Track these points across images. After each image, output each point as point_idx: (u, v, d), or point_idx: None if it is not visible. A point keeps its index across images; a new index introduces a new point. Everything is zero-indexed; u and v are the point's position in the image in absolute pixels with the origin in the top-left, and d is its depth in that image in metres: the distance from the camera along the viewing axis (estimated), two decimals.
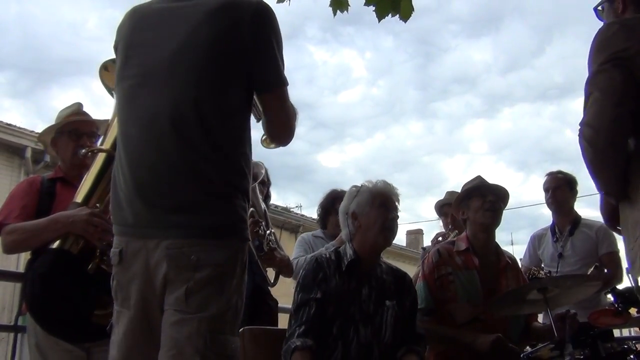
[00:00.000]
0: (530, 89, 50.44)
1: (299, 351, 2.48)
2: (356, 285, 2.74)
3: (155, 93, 1.86)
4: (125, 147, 1.90)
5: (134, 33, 1.98)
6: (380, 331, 2.70)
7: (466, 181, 3.44)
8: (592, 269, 3.97)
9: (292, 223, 19.89)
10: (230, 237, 1.84)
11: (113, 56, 2.14)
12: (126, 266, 1.87)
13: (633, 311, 2.93)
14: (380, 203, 2.84)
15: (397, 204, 2.89)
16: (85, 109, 2.96)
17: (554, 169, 4.48)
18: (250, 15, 1.86)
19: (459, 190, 4.34)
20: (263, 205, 3.80)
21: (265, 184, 3.94)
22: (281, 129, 2.05)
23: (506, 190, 3.30)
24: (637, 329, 4.96)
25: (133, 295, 1.86)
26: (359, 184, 2.98)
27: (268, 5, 1.94)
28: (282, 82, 1.94)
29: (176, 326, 1.75)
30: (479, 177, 3.37)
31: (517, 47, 51.00)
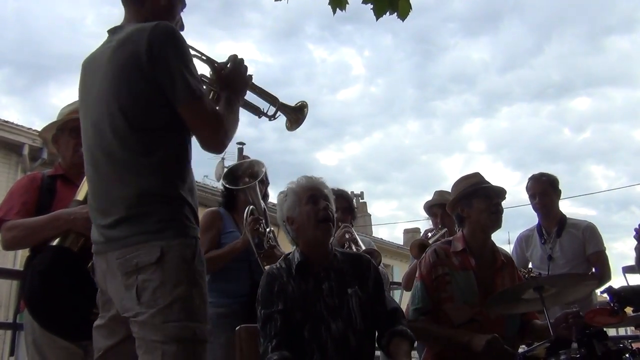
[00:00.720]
0: (528, 88, 50.45)
1: None
2: (315, 284, 2.74)
3: (87, 132, 2.17)
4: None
5: (80, 85, 2.29)
6: (351, 320, 2.69)
7: (462, 176, 3.41)
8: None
9: None
10: (164, 236, 1.99)
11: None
12: (97, 279, 2.17)
13: (629, 310, 2.95)
14: (307, 199, 2.83)
15: (325, 191, 2.89)
16: None
17: (552, 168, 4.51)
18: (145, 43, 2.02)
19: (447, 189, 4.38)
20: (262, 204, 3.81)
21: (264, 182, 3.96)
22: (202, 140, 2.13)
23: (506, 192, 3.31)
24: (632, 327, 4.98)
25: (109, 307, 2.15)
26: (284, 189, 2.99)
27: (164, 25, 2.07)
28: (189, 97, 2.05)
29: (138, 327, 1.98)
30: (478, 175, 3.35)
31: (516, 46, 50.98)
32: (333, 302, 2.71)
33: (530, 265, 4.41)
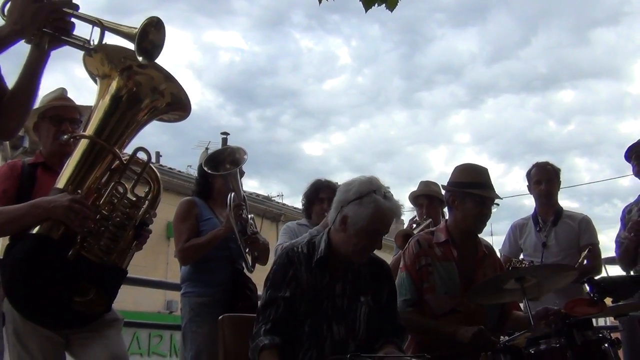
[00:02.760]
0: (515, 80, 50.71)
1: (268, 350, 2.45)
2: (330, 281, 2.68)
3: None
4: None
5: None
6: (354, 327, 2.67)
7: (472, 164, 3.36)
8: (585, 252, 4.04)
9: (273, 212, 19.89)
10: None
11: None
12: None
13: (608, 301, 2.98)
14: (376, 230, 2.64)
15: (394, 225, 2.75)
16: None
17: (537, 160, 4.51)
18: None
19: (433, 180, 4.38)
20: (243, 192, 3.81)
21: (241, 172, 3.94)
22: None
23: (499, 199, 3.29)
24: (612, 318, 5.03)
25: None
26: (369, 181, 2.69)
27: None
28: None
29: None
30: (485, 174, 3.28)
31: (503, 37, 51.21)
32: (342, 304, 2.67)
33: (521, 256, 4.43)
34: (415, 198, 4.60)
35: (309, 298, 2.62)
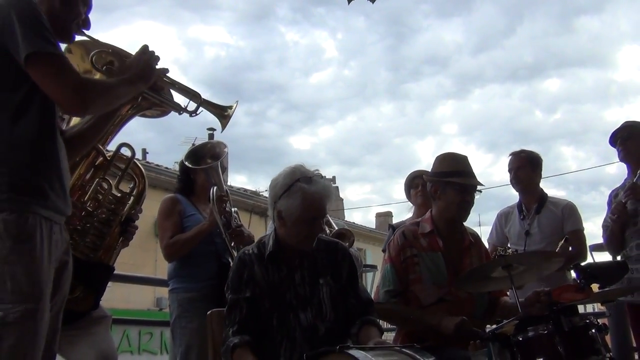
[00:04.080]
0: (501, 70, 50.98)
1: (240, 347, 2.50)
2: (287, 272, 2.72)
3: None
4: None
5: None
6: (321, 310, 2.70)
7: (452, 153, 3.37)
8: (562, 242, 4.05)
9: (261, 207, 19.84)
10: None
11: (78, 38, 2.37)
12: None
13: (595, 287, 3.01)
14: (311, 217, 2.67)
15: (327, 208, 2.74)
16: None
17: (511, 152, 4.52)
18: None
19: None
20: (225, 186, 3.80)
21: (223, 168, 3.92)
22: (57, 98, 2.06)
23: (482, 186, 3.30)
24: (599, 304, 5.07)
25: None
26: (292, 172, 2.71)
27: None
28: (32, 49, 1.96)
29: None
30: (465, 162, 3.29)
31: (488, 27, 51.36)
32: (304, 292, 2.70)
33: (508, 244, 4.45)
34: (412, 179, 4.62)
35: (270, 293, 2.66)
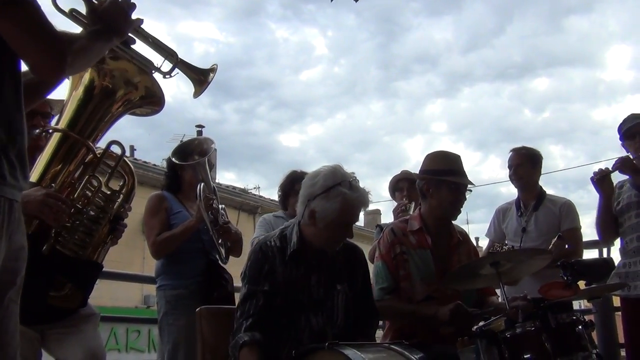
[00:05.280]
0: (490, 69, 51.24)
1: (248, 346, 2.44)
2: (304, 272, 2.69)
3: None
4: None
5: None
6: (332, 316, 2.69)
7: (444, 151, 3.37)
8: (555, 239, 4.06)
9: (250, 204, 19.86)
10: None
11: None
12: None
13: (581, 284, 3.03)
14: (345, 222, 2.66)
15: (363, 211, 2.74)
16: None
17: (511, 148, 4.52)
18: None
19: (410, 169, 4.38)
20: (212, 183, 3.80)
21: (211, 165, 3.92)
22: (31, 58, 1.64)
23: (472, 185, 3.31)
24: (585, 301, 5.11)
25: None
26: (333, 173, 2.66)
27: None
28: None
29: None
30: (458, 161, 3.30)
31: (478, 26, 51.60)
32: (318, 294, 2.68)
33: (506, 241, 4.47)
34: (396, 182, 4.63)
35: (284, 291, 2.62)
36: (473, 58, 51.70)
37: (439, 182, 3.22)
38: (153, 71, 2.44)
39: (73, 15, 2.05)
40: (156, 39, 2.37)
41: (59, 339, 2.60)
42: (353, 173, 2.72)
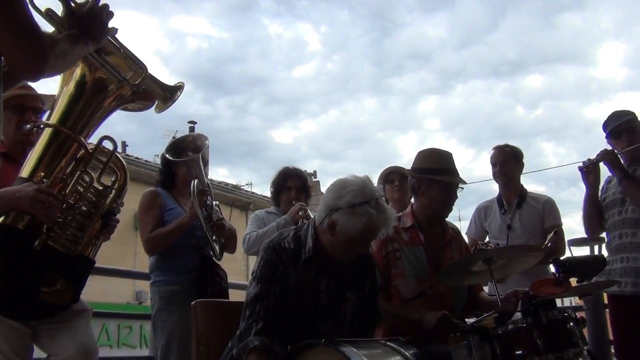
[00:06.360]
0: (483, 65, 51.37)
1: (257, 352, 2.38)
2: (315, 276, 2.65)
3: None
4: None
5: None
6: (339, 323, 2.67)
7: (435, 149, 3.37)
8: (551, 234, 4.08)
9: (242, 201, 19.86)
10: None
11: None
12: None
13: (573, 281, 3.04)
14: (365, 240, 2.63)
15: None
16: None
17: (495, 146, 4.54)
18: None
19: (402, 165, 4.38)
20: (206, 178, 3.80)
21: (205, 161, 3.91)
22: (13, 56, 1.60)
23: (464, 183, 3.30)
24: (576, 298, 5.13)
25: None
26: (362, 191, 2.56)
27: None
28: None
29: None
30: (450, 160, 3.30)
31: (471, 22, 51.73)
32: (326, 301, 2.65)
33: (487, 238, 4.49)
34: (387, 174, 4.60)
35: (294, 294, 2.58)
36: (466, 55, 51.89)
37: (430, 181, 3.22)
38: (122, 83, 2.43)
39: (48, 15, 2.01)
40: (128, 50, 2.34)
41: (51, 334, 2.59)
42: (382, 194, 2.65)
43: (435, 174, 3.21)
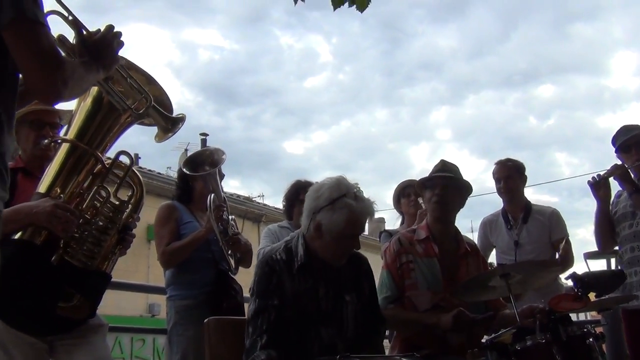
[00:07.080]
0: (495, 76, 51.14)
1: None
2: (313, 283, 2.67)
3: None
4: None
5: None
6: (342, 327, 2.67)
7: (440, 163, 3.41)
8: (562, 243, 4.05)
9: (254, 212, 19.85)
10: None
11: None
12: None
13: (592, 296, 3.01)
14: (352, 234, 2.66)
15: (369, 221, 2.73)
16: None
17: (517, 155, 4.55)
18: None
19: (414, 178, 4.38)
20: (222, 192, 3.80)
21: (220, 175, 3.92)
22: (34, 79, 1.64)
23: (457, 177, 3.32)
24: (595, 313, 5.08)
25: None
26: (337, 185, 2.66)
27: None
28: (18, 14, 1.56)
29: None
30: (439, 164, 3.37)
31: (482, 33, 51.56)
32: (326, 306, 2.67)
33: (493, 252, 4.46)
34: (403, 188, 4.62)
35: (293, 304, 2.61)
36: (478, 65, 51.69)
37: (421, 188, 3.37)
38: (127, 112, 2.46)
39: (60, 41, 2.01)
40: (134, 79, 2.38)
41: (67, 350, 2.59)
42: (357, 183, 2.72)
43: (428, 179, 3.33)
